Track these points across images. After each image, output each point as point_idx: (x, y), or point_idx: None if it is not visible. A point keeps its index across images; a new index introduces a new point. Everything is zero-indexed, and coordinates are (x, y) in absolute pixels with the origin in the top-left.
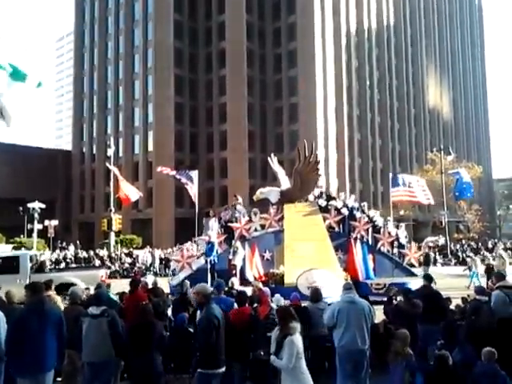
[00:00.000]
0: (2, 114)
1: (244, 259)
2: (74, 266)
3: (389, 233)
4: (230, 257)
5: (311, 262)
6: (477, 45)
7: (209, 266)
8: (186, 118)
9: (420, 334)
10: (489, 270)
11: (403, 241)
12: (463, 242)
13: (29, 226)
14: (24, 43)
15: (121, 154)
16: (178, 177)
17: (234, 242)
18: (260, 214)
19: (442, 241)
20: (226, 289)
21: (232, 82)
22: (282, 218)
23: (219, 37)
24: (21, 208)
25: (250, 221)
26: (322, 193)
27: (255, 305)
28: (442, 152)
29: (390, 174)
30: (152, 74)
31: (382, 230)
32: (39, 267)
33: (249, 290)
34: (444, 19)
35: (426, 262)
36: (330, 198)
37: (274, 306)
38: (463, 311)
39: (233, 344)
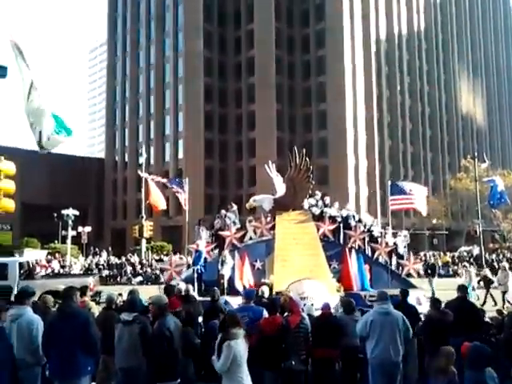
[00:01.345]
0: (40, 143)
1: (233, 269)
2: (105, 272)
3: (386, 243)
4: (219, 266)
5: (302, 272)
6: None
7: (195, 275)
8: (216, 126)
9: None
10: (486, 282)
11: (402, 251)
12: (499, 251)
13: (63, 233)
14: (58, 54)
15: (152, 162)
16: (168, 185)
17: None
18: (251, 223)
19: (476, 251)
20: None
21: (261, 89)
22: (273, 227)
23: (248, 45)
24: (55, 215)
25: (241, 229)
26: (317, 201)
27: (286, 314)
28: (476, 159)
29: (389, 182)
30: (182, 83)
31: (379, 239)
32: (28, 274)
33: (238, 300)
34: (477, 23)
35: (432, 273)
36: (325, 206)
37: (305, 315)
38: (500, 324)
39: (264, 353)
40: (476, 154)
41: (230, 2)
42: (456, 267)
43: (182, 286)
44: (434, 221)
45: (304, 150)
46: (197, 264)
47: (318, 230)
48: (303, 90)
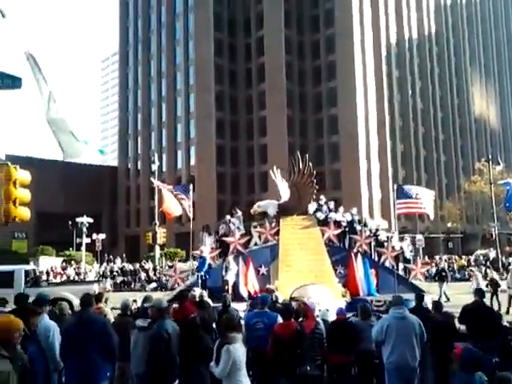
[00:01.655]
0: (63, 148)
1: (238, 275)
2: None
3: (393, 247)
4: (223, 273)
5: (307, 277)
6: None
7: (200, 282)
8: (227, 133)
9: None
10: (493, 286)
11: (408, 255)
12: None
13: (77, 240)
14: (71, 64)
15: (164, 169)
16: (174, 192)
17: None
18: (256, 228)
19: (492, 254)
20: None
21: (271, 95)
22: (278, 232)
23: (258, 52)
24: (70, 223)
25: (246, 235)
26: (321, 206)
27: (300, 319)
28: (490, 162)
29: (395, 186)
30: (193, 90)
31: (385, 243)
32: (35, 281)
33: (242, 306)
34: (488, 25)
35: (441, 277)
36: (330, 210)
37: (319, 320)
38: None
39: (279, 358)
40: (490, 156)
41: (240, 10)
42: (471, 271)
43: (197, 291)
44: (449, 224)
45: (307, 156)
46: (201, 270)
47: (323, 234)
48: (314, 96)
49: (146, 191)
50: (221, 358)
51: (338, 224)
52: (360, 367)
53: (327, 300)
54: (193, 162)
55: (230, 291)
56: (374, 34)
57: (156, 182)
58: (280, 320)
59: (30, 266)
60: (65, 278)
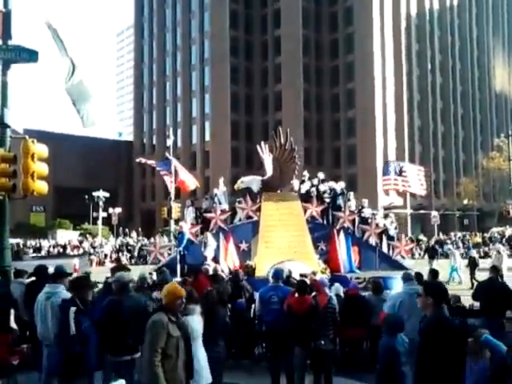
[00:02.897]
0: (83, 119)
1: (218, 250)
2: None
3: (377, 224)
4: (202, 248)
5: (286, 253)
6: None
7: (178, 257)
8: (242, 107)
9: (486, 327)
10: (472, 264)
11: (392, 232)
12: None
13: (94, 214)
14: (86, 38)
15: (179, 144)
16: (157, 168)
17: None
18: (238, 204)
19: (509, 231)
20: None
21: (287, 69)
22: (260, 208)
23: (275, 24)
24: (87, 197)
25: (232, 210)
26: (303, 181)
27: (313, 293)
28: (510, 138)
29: (381, 162)
30: (208, 65)
31: (369, 220)
32: (16, 255)
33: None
34: None
35: (431, 255)
36: (313, 185)
37: (332, 295)
38: None
39: (294, 332)
40: (510, 132)
41: None
42: (487, 248)
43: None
44: (465, 201)
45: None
46: (179, 246)
47: (306, 211)
48: (331, 70)
49: None
50: None
51: (321, 200)
52: (372, 341)
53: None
54: (208, 137)
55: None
56: (394, 6)
57: (170, 157)
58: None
59: (14, 240)
60: (81, 251)
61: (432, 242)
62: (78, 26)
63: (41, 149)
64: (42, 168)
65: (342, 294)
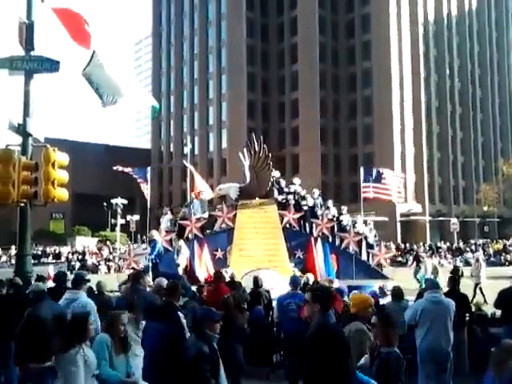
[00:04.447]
0: (101, 96)
1: (193, 257)
2: None
3: (356, 232)
4: (175, 256)
5: (260, 261)
6: None
7: (150, 265)
8: (259, 115)
9: (504, 336)
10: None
11: (372, 240)
12: None
13: (112, 221)
14: (105, 47)
15: (196, 152)
16: (134, 176)
17: (178, 240)
18: (213, 212)
19: None
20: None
21: (304, 77)
22: (235, 216)
23: (291, 32)
24: (105, 204)
25: (211, 218)
26: (281, 188)
27: None
28: None
29: (361, 169)
30: (225, 72)
31: (348, 228)
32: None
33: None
34: None
35: (418, 263)
36: (288, 194)
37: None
38: None
39: None
40: None
41: None
42: (508, 255)
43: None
44: (486, 208)
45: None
46: (151, 254)
47: (283, 218)
48: (348, 76)
49: (178, 174)
50: None
51: (299, 207)
52: None
53: (279, 285)
54: (224, 144)
55: (182, 274)
56: (411, 12)
57: (188, 165)
58: None
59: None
60: (100, 257)
61: (421, 249)
62: (96, 34)
63: (61, 157)
64: (63, 175)
65: None
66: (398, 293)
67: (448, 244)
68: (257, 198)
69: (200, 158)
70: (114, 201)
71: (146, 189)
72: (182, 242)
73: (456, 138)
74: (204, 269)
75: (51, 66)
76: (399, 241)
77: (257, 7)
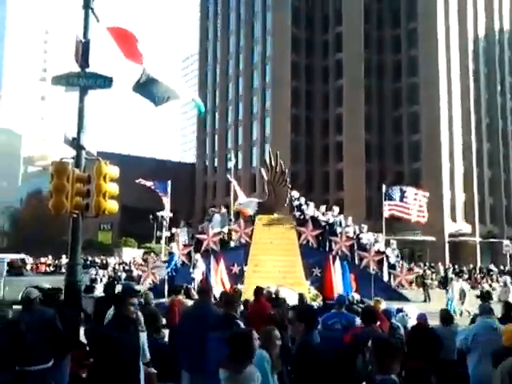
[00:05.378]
0: (154, 97)
1: (209, 271)
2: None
3: (377, 251)
4: (191, 269)
5: (275, 278)
6: None
7: (166, 278)
8: (302, 130)
9: None
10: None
11: (393, 260)
12: None
13: (158, 233)
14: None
15: (240, 166)
16: (154, 189)
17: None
18: (231, 226)
19: None
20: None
21: (349, 92)
22: (253, 231)
23: (336, 48)
24: (151, 216)
25: (225, 232)
26: (301, 204)
27: (378, 323)
28: None
29: (384, 186)
30: (270, 88)
31: (368, 247)
32: (17, 271)
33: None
34: None
35: (445, 284)
36: (300, 205)
37: (399, 325)
38: None
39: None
40: None
41: (318, 6)
42: None
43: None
44: None
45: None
46: (168, 267)
47: (301, 235)
48: (393, 92)
49: (222, 188)
50: None
51: (318, 224)
52: (440, 376)
53: (294, 303)
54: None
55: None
56: (461, 27)
57: (231, 179)
58: (358, 321)
59: (18, 256)
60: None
61: (449, 272)
62: (147, 52)
63: (112, 170)
64: (113, 188)
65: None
66: (447, 316)
67: (501, 267)
68: (275, 214)
69: (244, 172)
70: (159, 213)
71: (167, 202)
72: (198, 256)
73: (508, 156)
74: (220, 283)
75: (105, 82)
76: (447, 262)
77: (302, 23)
